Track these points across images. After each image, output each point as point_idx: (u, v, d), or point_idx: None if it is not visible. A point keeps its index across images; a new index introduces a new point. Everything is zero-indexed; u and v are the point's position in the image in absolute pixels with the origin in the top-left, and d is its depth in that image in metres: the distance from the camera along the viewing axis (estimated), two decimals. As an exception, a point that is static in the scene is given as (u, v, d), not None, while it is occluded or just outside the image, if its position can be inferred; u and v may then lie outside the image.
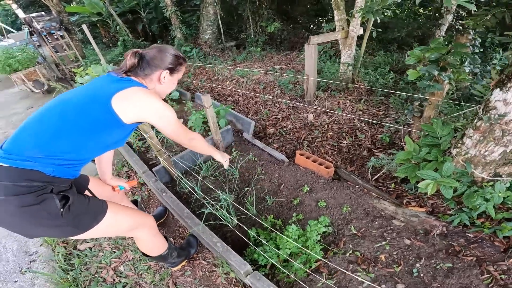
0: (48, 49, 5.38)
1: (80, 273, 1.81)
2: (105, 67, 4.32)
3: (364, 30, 3.31)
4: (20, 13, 6.72)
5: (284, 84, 4.07)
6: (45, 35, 5.21)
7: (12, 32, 9.80)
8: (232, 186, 2.34)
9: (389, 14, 2.71)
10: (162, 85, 1.18)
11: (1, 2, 13.44)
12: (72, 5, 8.48)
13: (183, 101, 3.86)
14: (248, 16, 6.97)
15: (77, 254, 1.94)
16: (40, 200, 0.92)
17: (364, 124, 3.04)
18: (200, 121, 2.86)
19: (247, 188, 2.31)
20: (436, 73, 1.79)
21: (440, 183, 1.52)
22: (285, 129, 3.17)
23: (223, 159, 1.47)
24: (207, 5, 6.66)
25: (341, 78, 3.57)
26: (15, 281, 1.85)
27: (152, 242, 1.41)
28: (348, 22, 3.29)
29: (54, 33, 5.43)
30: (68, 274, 1.80)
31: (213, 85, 4.82)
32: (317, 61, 3.22)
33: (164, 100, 3.92)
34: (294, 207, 2.11)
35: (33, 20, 4.94)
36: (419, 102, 2.16)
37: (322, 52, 5.19)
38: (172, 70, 1.17)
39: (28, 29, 7.12)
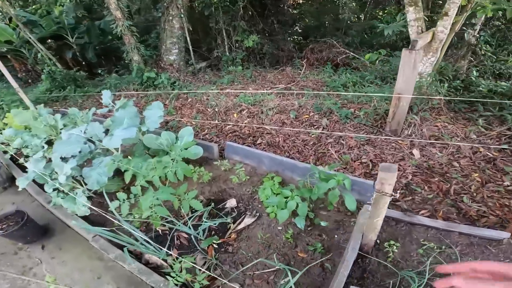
0: None
1: None
2: (34, 112, 2.56)
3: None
4: None
5: (339, 111, 2.99)
6: None
7: None
8: None
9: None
10: None
11: None
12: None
13: (210, 159, 2.41)
14: (221, 29, 5.76)
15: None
16: None
17: (496, 152, 2.19)
18: (283, 203, 1.52)
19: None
20: None
21: None
22: (401, 182, 2.06)
23: None
24: (171, 17, 5.18)
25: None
26: None
27: None
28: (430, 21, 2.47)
29: None
30: None
31: (216, 121, 3.42)
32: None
33: (187, 161, 2.13)
34: None
35: None
36: None
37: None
38: None
39: None
